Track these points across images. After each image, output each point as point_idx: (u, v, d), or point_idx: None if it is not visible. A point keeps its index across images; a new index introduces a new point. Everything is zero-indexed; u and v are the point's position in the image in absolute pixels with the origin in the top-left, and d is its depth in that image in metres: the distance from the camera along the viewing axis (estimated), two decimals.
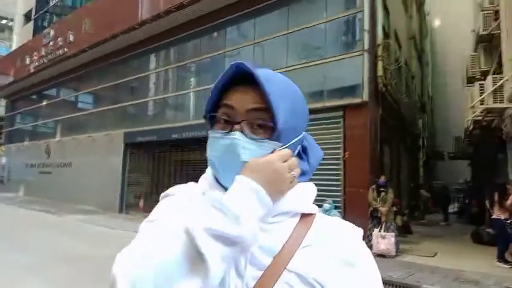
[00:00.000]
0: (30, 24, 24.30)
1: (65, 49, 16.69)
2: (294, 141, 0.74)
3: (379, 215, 7.71)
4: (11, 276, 5.34)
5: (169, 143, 12.86)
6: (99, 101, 17.07)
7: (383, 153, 10.21)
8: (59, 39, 17.22)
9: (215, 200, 0.63)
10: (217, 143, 0.72)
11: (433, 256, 7.62)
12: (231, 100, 0.73)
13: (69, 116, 18.39)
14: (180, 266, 0.57)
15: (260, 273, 0.67)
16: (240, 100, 0.72)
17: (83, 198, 15.43)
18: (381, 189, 7.93)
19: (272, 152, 0.70)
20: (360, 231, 0.78)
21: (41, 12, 23.21)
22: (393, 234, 7.44)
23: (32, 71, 19.38)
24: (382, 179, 8.12)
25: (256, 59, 10.60)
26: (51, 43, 17.84)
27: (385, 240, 7.39)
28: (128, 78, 15.07)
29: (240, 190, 0.64)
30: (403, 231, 9.63)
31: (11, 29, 35.27)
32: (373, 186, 7.98)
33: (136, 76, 14.77)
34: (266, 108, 0.70)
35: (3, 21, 36.07)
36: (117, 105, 15.47)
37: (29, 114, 22.60)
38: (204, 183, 0.78)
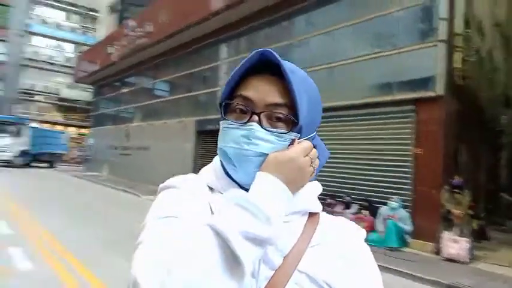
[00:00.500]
0: (115, 16, 26.23)
1: (144, 39, 17.77)
2: (309, 137, 0.73)
3: (452, 217, 7.27)
4: (93, 251, 5.88)
5: None
6: (174, 89, 17.97)
7: (459, 152, 9.50)
8: (138, 30, 18.37)
9: (242, 199, 0.60)
10: (232, 133, 0.69)
11: (509, 266, 7.01)
12: (250, 91, 0.69)
13: (147, 102, 19.64)
14: (216, 272, 0.55)
15: (271, 273, 0.66)
16: (260, 92, 0.69)
17: (158, 180, 16.35)
18: (456, 190, 7.44)
19: (291, 144, 0.68)
20: (363, 232, 0.77)
21: (124, 4, 24.93)
22: (467, 239, 6.97)
23: (115, 59, 20.95)
24: (457, 179, 7.60)
25: (325, 49, 10.40)
26: (132, 33, 19.09)
27: (457, 245, 6.94)
28: (201, 68, 15.67)
29: (267, 189, 0.62)
30: (479, 237, 8.95)
31: (95, 19, 38.36)
32: (447, 187, 7.51)
33: (208, 66, 15.30)
34: (288, 104, 0.68)
35: (91, 13, 39.26)
36: (190, 94, 16.21)
37: (112, 100, 24.50)
38: (210, 176, 0.75)
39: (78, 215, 9.01)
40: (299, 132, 0.70)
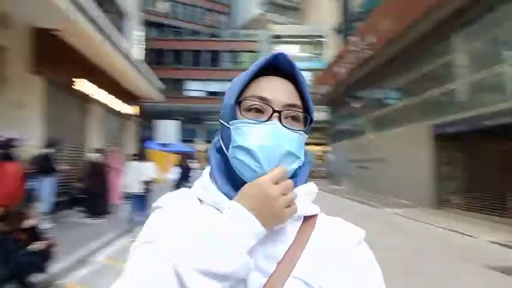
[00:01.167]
0: (339, 37, 27.65)
1: (368, 51, 17.84)
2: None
3: None
4: None
5: (482, 131, 11.20)
6: (402, 95, 17.15)
7: None
8: (361, 44, 18.64)
9: (206, 232, 0.59)
10: (255, 131, 0.68)
11: None
12: (265, 91, 0.71)
13: (378, 113, 19.49)
14: None
15: (265, 280, 0.65)
16: (276, 93, 0.70)
17: (395, 191, 15.94)
18: None
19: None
20: (363, 233, 0.74)
21: (346, 23, 25.96)
22: None
23: (343, 77, 21.94)
24: None
25: None
26: (356, 48, 19.56)
27: None
28: (430, 67, 14.34)
29: (231, 219, 0.61)
30: None
31: (321, 44, 41.35)
32: None
33: (438, 63, 13.83)
34: (300, 105, 0.72)
35: (319, 39, 42.68)
36: (420, 97, 15.03)
37: (346, 115, 25.66)
38: (199, 189, 0.75)
39: None
40: (307, 132, 0.73)
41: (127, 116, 15.55)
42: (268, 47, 39.71)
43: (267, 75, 0.73)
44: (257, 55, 39.06)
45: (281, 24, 44.53)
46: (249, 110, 0.71)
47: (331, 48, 30.02)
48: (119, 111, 14.23)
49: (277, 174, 0.64)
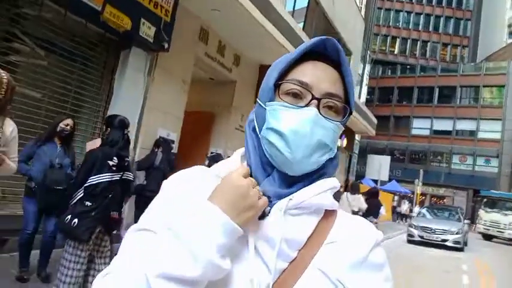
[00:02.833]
0: None
1: None
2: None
3: None
4: None
5: None
6: None
7: None
8: None
9: (173, 234, 0.57)
10: (291, 115, 0.66)
11: None
12: (307, 76, 0.68)
13: None
14: None
15: (285, 264, 0.65)
16: (318, 79, 0.68)
17: None
18: None
19: (340, 136, 0.69)
20: (380, 235, 0.73)
21: None
22: None
23: None
24: None
25: None
26: None
27: None
28: None
29: (203, 221, 0.56)
30: None
31: None
32: None
33: None
34: (341, 96, 0.70)
35: None
36: None
37: None
38: (222, 168, 0.71)
39: None
40: (346, 122, 0.71)
41: (339, 148, 16.22)
42: None
43: (313, 60, 0.70)
44: (503, 90, 33.47)
45: None
46: (287, 93, 0.68)
47: None
48: None
49: (243, 170, 0.64)
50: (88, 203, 3.10)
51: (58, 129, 4.08)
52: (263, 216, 0.65)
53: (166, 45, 6.14)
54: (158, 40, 5.98)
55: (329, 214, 0.71)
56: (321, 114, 0.66)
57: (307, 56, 0.70)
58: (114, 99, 5.99)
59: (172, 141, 6.85)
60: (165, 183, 0.74)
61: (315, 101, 0.66)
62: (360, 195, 9.18)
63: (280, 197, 0.67)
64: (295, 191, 0.67)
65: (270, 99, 0.69)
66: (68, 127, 4.10)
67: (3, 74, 2.44)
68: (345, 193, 9.37)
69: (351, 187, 9.49)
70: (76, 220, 3.04)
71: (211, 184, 0.65)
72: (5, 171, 2.58)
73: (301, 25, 10.69)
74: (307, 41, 0.70)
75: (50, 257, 4.07)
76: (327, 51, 0.70)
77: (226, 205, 0.59)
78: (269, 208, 0.65)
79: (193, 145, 8.11)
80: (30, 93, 5.06)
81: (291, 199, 0.66)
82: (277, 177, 0.69)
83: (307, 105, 0.66)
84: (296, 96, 0.68)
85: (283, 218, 0.65)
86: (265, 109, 0.69)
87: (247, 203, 0.60)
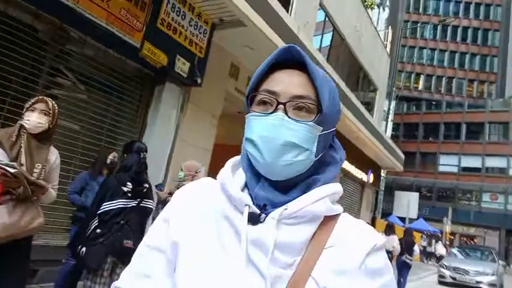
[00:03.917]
0: None
1: None
2: (331, 130, 0.74)
3: None
4: None
5: None
6: None
7: None
8: None
9: None
10: (260, 123, 0.69)
11: None
12: (274, 84, 0.71)
13: None
14: None
15: (282, 271, 0.66)
16: (284, 85, 0.70)
17: None
18: None
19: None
20: (380, 240, 0.71)
21: None
22: None
23: None
24: None
25: None
26: None
27: None
28: None
29: None
30: None
31: None
32: None
33: None
34: (312, 96, 0.70)
35: None
36: None
37: None
38: (223, 176, 0.75)
39: None
40: (321, 124, 0.70)
41: (364, 184, 15.93)
42: None
43: (284, 67, 0.73)
44: None
45: None
46: (259, 103, 0.72)
47: None
48: (357, 177, 14.81)
49: None
50: (98, 230, 3.02)
51: (108, 162, 4.21)
52: (256, 222, 0.67)
53: (199, 81, 6.30)
54: (191, 75, 6.16)
55: (329, 220, 0.71)
56: (289, 116, 0.68)
57: (278, 66, 0.73)
58: (148, 132, 6.13)
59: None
60: (174, 195, 0.81)
61: (281, 106, 0.69)
62: (395, 236, 9.59)
63: (275, 205, 0.69)
64: (291, 199, 0.69)
65: (248, 112, 0.74)
66: (115, 159, 4.22)
67: (55, 105, 2.55)
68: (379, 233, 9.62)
69: (386, 228, 9.96)
70: (84, 248, 2.98)
71: (213, 196, 0.74)
72: (47, 200, 2.63)
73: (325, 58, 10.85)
74: (273, 52, 0.73)
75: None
76: (295, 58, 0.73)
77: None
78: (264, 216, 0.67)
79: None
80: (70, 125, 5.24)
81: (285, 209, 0.67)
82: (267, 184, 0.71)
83: (274, 110, 0.69)
84: (266, 104, 0.71)
85: (276, 226, 0.66)
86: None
87: None
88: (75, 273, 3.93)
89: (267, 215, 0.68)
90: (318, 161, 0.72)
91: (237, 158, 0.79)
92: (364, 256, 0.68)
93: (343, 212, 0.75)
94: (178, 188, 4.19)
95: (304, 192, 0.70)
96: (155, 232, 0.78)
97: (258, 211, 0.69)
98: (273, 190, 0.70)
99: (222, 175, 0.75)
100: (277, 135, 0.67)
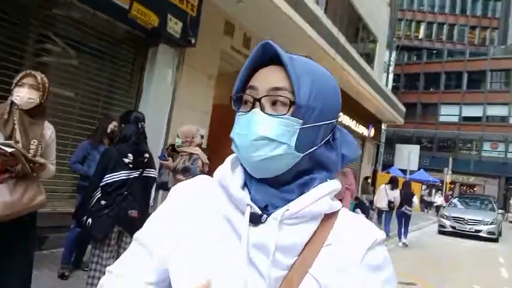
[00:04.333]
0: None
1: None
2: (319, 124, 0.69)
3: None
4: None
5: None
6: None
7: None
8: None
9: None
10: (239, 121, 0.70)
11: None
12: (255, 80, 0.71)
13: None
14: None
15: (282, 273, 0.65)
16: (263, 79, 0.69)
17: None
18: None
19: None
20: (380, 235, 0.71)
21: None
22: None
23: None
24: None
25: None
26: None
27: None
28: None
29: None
30: None
31: None
32: None
33: None
34: (288, 88, 0.67)
35: None
36: None
37: None
38: (223, 173, 0.73)
39: None
40: (299, 112, 0.67)
41: (365, 138, 15.96)
42: None
43: (269, 64, 0.72)
44: None
45: None
46: (245, 102, 0.72)
47: None
48: (358, 132, 14.82)
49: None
50: (103, 202, 3.05)
51: (108, 131, 4.19)
52: (258, 222, 0.66)
53: (193, 41, 6.10)
54: (184, 36, 5.95)
55: (329, 217, 0.70)
56: (265, 112, 0.67)
57: (264, 62, 0.72)
58: (144, 97, 6.03)
59: (202, 137, 6.86)
60: (170, 193, 0.79)
61: (256, 102, 0.68)
62: (398, 190, 10.02)
63: (274, 205, 0.68)
64: (290, 199, 0.68)
65: (235, 112, 0.73)
66: (116, 128, 4.19)
67: (45, 79, 2.45)
68: (384, 185, 10.30)
69: (390, 182, 10.30)
70: (90, 219, 3.02)
71: (211, 195, 0.72)
72: (47, 175, 2.62)
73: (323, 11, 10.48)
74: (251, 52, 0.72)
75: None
76: (271, 54, 0.70)
77: None
78: (266, 216, 0.67)
79: (222, 139, 8.08)
80: (64, 93, 5.14)
81: (287, 209, 0.66)
82: (256, 183, 0.70)
83: (252, 108, 0.68)
84: (246, 103, 0.71)
85: (278, 227, 0.65)
86: None
87: None
88: (82, 239, 4.03)
89: (268, 215, 0.67)
90: (313, 158, 0.70)
91: (234, 154, 0.77)
92: (365, 252, 0.67)
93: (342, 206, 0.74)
94: (179, 153, 4.20)
95: (302, 192, 0.69)
96: (149, 230, 0.77)
97: (259, 211, 0.67)
98: (267, 191, 0.69)
99: (221, 172, 0.73)
100: (250, 130, 0.67)
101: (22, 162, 2.24)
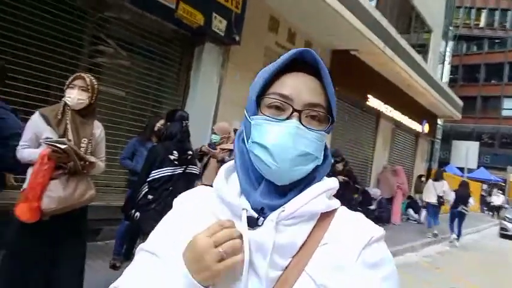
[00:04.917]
0: None
1: None
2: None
3: None
4: None
5: None
6: None
7: None
8: None
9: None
10: (274, 129, 0.68)
11: None
12: (287, 89, 0.70)
13: None
14: None
15: (278, 273, 0.66)
16: (298, 90, 0.69)
17: None
18: None
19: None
20: (379, 231, 0.70)
21: None
22: None
23: None
24: None
25: None
26: None
27: None
28: None
29: (170, 273, 0.65)
30: None
31: None
32: None
33: None
34: (323, 103, 0.71)
35: None
36: None
37: None
38: (218, 184, 0.74)
39: None
40: (330, 129, 0.71)
41: (418, 134, 15.18)
42: None
43: (293, 71, 0.72)
44: None
45: None
46: (269, 106, 0.70)
47: None
48: (410, 128, 14.14)
49: (214, 228, 0.64)
50: (149, 196, 3.16)
51: (156, 129, 4.37)
52: (255, 225, 0.67)
53: (237, 38, 6.12)
54: (229, 33, 5.99)
55: (326, 216, 0.71)
56: (303, 125, 0.68)
57: (289, 67, 0.71)
58: (191, 95, 6.16)
59: (235, 131, 6.97)
60: (174, 202, 0.82)
61: (296, 113, 0.68)
62: (444, 181, 9.94)
63: (273, 208, 0.68)
64: (287, 201, 0.69)
65: (254, 113, 0.72)
66: (163, 126, 4.35)
67: (94, 80, 2.58)
68: (430, 180, 10.45)
69: (434, 175, 10.56)
70: (138, 213, 3.14)
71: (211, 204, 0.73)
72: (97, 172, 2.77)
73: (373, 3, 10.05)
74: (286, 53, 0.71)
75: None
76: (307, 61, 0.72)
77: (187, 263, 0.63)
78: (262, 219, 0.67)
79: None
80: (116, 92, 5.39)
81: (283, 210, 0.67)
82: (268, 189, 0.70)
83: (288, 117, 0.68)
84: (278, 108, 0.69)
85: (275, 228, 0.66)
86: (250, 123, 0.72)
87: (202, 265, 0.61)
88: (132, 231, 4.21)
89: (265, 218, 0.68)
90: None
91: (230, 164, 0.78)
92: (360, 250, 0.67)
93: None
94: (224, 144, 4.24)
95: (301, 191, 0.70)
96: (156, 239, 0.78)
97: (255, 215, 0.68)
98: (272, 194, 0.70)
99: (217, 185, 0.74)
100: (293, 144, 0.67)
101: (74, 160, 2.39)
